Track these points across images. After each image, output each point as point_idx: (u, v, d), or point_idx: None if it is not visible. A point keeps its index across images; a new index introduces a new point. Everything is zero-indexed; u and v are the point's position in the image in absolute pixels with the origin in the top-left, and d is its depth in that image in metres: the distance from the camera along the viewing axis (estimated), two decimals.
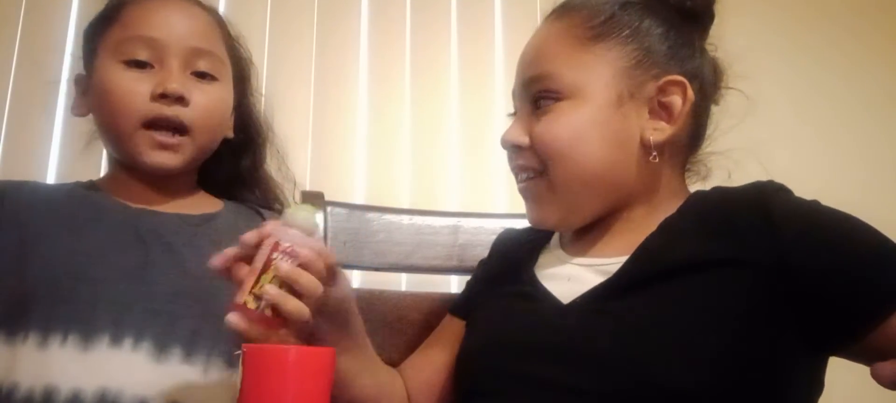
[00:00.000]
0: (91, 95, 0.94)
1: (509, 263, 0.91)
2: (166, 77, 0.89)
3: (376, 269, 1.12)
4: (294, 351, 0.67)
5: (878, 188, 1.83)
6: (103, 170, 1.09)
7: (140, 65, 0.90)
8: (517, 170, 0.86)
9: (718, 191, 0.82)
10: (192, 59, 0.92)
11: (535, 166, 0.82)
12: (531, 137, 0.82)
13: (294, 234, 0.71)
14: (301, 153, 1.68)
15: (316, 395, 0.66)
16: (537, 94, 0.82)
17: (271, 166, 1.08)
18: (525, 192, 0.86)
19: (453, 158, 1.71)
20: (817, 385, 0.73)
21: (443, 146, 1.71)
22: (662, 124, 0.80)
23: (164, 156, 0.90)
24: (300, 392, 0.65)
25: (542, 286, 0.82)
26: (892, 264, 0.66)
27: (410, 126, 1.71)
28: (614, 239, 0.82)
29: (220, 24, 1.00)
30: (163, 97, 0.89)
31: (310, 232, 0.73)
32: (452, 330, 0.93)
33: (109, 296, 0.83)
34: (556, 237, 0.91)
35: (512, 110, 0.89)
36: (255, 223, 0.95)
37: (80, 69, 0.99)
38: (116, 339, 0.81)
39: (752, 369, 0.67)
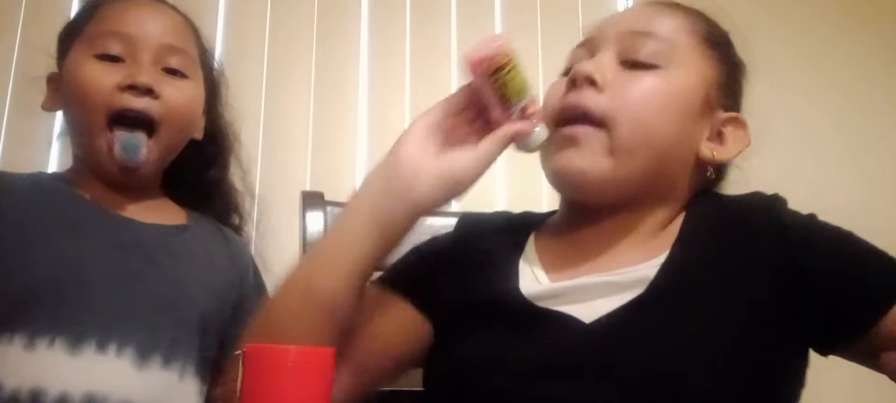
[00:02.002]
0: (61, 91, 0.94)
1: (486, 264, 0.81)
2: (137, 70, 0.89)
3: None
4: (294, 351, 0.67)
5: (856, 192, 1.84)
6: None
7: (112, 58, 0.90)
8: (569, 109, 0.75)
9: (726, 200, 0.82)
10: (164, 55, 0.92)
11: (597, 115, 0.74)
12: (613, 85, 0.74)
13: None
14: (301, 153, 1.68)
15: (316, 395, 0.66)
16: (637, 49, 0.76)
17: (235, 176, 1.09)
18: (569, 137, 0.75)
19: None
20: (803, 383, 0.74)
21: None
22: (719, 147, 0.80)
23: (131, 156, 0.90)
24: (300, 392, 0.65)
25: (538, 307, 0.74)
26: (889, 263, 0.71)
27: None
28: (624, 247, 0.77)
29: (193, 29, 1.00)
30: (132, 88, 0.88)
31: None
32: (398, 309, 0.81)
33: (96, 302, 0.84)
34: (531, 244, 0.83)
35: (569, 65, 0.80)
36: (218, 238, 1.00)
37: None
38: (102, 345, 0.82)
39: (763, 372, 0.68)
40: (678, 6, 0.83)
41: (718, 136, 0.81)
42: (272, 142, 1.67)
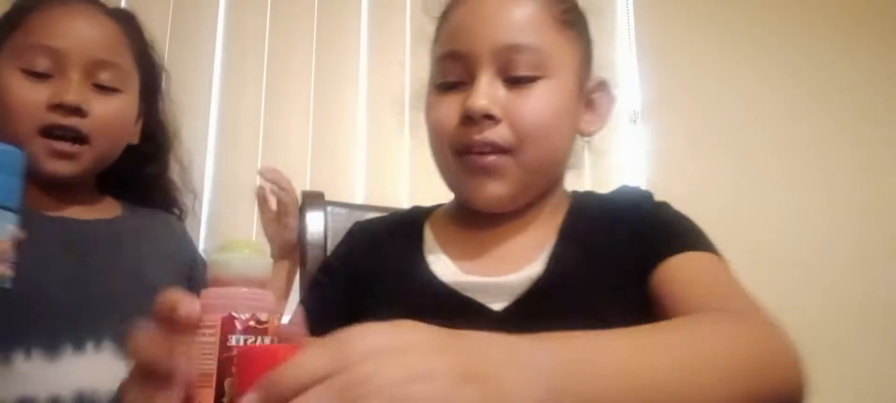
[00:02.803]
0: None
1: (392, 262, 0.83)
2: (64, 87, 0.88)
3: None
4: (283, 351, 0.66)
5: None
6: None
7: (39, 75, 0.88)
8: (479, 143, 0.77)
9: (597, 197, 0.88)
10: (94, 71, 0.91)
11: (505, 143, 0.77)
12: (507, 112, 0.77)
13: (244, 301, 0.50)
14: (301, 153, 1.68)
15: None
16: (515, 65, 0.78)
17: (174, 171, 1.08)
18: (486, 168, 0.78)
19: None
20: None
21: None
22: (594, 117, 0.85)
23: (62, 165, 0.89)
24: None
25: (462, 294, 0.77)
26: (683, 233, 0.78)
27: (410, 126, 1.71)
28: (517, 241, 0.81)
29: (128, 33, 0.97)
30: (59, 107, 0.88)
31: (260, 284, 0.52)
32: None
33: (61, 308, 0.85)
34: (430, 236, 0.85)
35: (452, 78, 0.80)
36: (159, 221, 1.01)
37: None
38: (79, 345, 0.84)
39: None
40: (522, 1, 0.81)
41: (589, 105, 0.85)
42: (272, 142, 1.68)
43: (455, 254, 0.82)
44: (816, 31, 1.93)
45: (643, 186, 1.78)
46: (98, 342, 0.85)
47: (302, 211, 1.12)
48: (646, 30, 1.88)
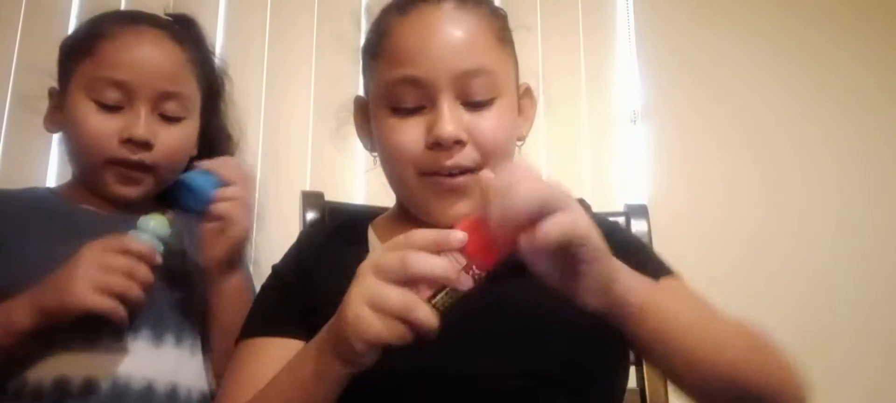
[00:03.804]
0: (63, 116, 0.98)
1: (341, 264, 0.81)
2: (133, 122, 0.94)
3: None
4: None
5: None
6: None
7: (110, 108, 0.94)
8: (451, 167, 0.82)
9: None
10: (160, 102, 0.96)
11: (473, 164, 0.82)
12: (470, 134, 0.82)
13: None
14: (301, 153, 1.68)
15: None
16: (473, 89, 0.82)
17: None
18: (456, 189, 0.82)
19: None
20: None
21: None
22: (524, 122, 0.92)
23: (128, 190, 0.97)
24: None
25: None
26: (655, 256, 0.88)
27: None
28: None
29: (192, 57, 1.01)
30: (129, 142, 0.94)
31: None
32: (278, 349, 0.80)
33: None
34: (375, 238, 0.90)
35: (409, 104, 0.82)
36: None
37: None
38: (117, 332, 0.88)
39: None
40: (474, 8, 0.86)
41: (520, 112, 0.91)
42: (272, 142, 1.68)
43: None
44: (817, 31, 1.93)
45: (643, 186, 1.79)
46: (136, 330, 0.89)
47: (302, 212, 1.12)
48: (646, 30, 1.88)
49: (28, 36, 1.62)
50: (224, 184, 0.93)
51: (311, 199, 1.14)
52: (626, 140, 1.82)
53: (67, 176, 1.05)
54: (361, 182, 1.69)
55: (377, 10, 0.95)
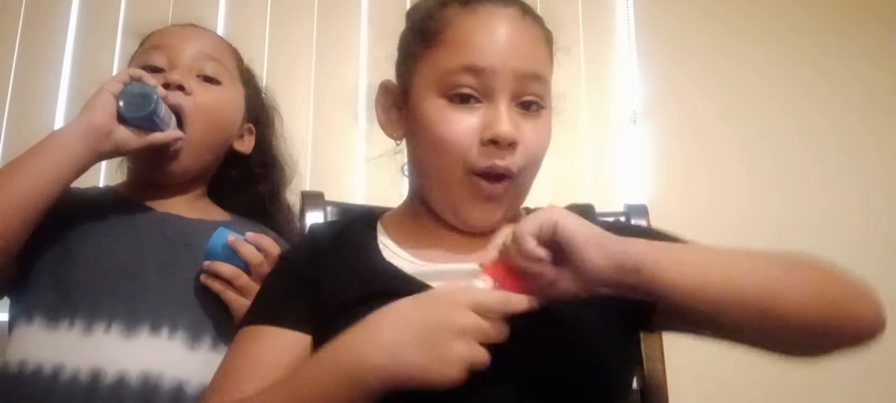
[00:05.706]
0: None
1: (352, 259, 0.85)
2: (172, 73, 1.01)
3: None
4: None
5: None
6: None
7: (155, 69, 1.01)
8: (501, 168, 0.81)
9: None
10: (200, 64, 1.05)
11: (516, 170, 0.82)
12: (521, 139, 0.81)
13: None
14: (301, 153, 1.68)
15: None
16: (529, 93, 0.83)
17: (283, 206, 1.16)
18: (498, 198, 0.83)
19: None
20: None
21: None
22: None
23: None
24: None
25: (422, 282, 0.79)
26: (671, 237, 0.86)
27: None
28: (469, 238, 0.86)
29: (236, 53, 1.11)
30: (166, 86, 0.98)
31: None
32: (280, 339, 0.81)
33: (147, 290, 0.92)
34: (383, 233, 0.89)
35: (467, 91, 0.81)
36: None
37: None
38: (155, 328, 0.90)
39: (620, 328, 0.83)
40: (536, 20, 0.88)
41: None
42: None
43: (411, 248, 0.85)
44: (817, 31, 1.93)
45: (643, 186, 1.79)
46: (173, 329, 0.91)
47: (302, 212, 1.12)
48: (646, 30, 1.88)
49: (28, 36, 1.62)
50: (243, 262, 0.93)
51: (312, 199, 1.14)
52: (626, 140, 1.83)
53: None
54: (361, 182, 1.69)
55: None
